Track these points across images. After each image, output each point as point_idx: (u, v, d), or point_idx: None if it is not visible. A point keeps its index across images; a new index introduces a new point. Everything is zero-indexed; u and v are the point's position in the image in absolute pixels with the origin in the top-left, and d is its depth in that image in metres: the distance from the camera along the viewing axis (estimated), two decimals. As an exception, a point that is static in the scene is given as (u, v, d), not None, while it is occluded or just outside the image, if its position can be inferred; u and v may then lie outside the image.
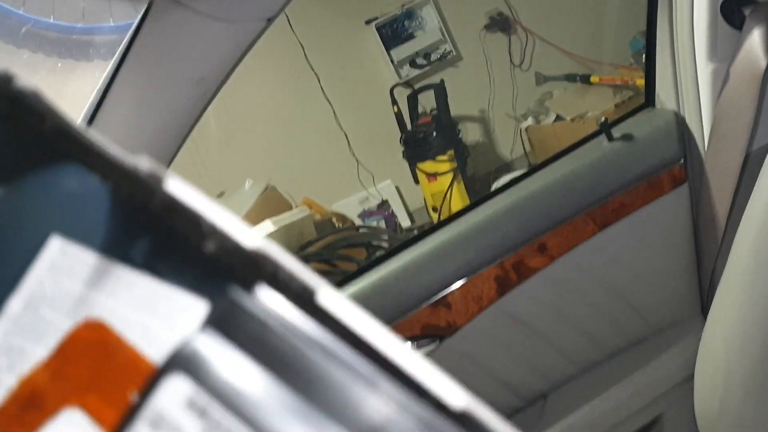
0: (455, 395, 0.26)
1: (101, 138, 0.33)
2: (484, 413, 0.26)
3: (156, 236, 0.33)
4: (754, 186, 0.88)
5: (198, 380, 0.25)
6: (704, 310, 1.22)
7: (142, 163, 0.32)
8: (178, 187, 0.31)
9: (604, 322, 1.16)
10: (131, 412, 0.25)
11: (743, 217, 0.91)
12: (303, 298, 0.29)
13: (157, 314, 0.32)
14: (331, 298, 0.29)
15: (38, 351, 0.31)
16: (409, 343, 1.14)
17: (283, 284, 0.29)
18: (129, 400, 0.30)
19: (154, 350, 0.31)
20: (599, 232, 1.15)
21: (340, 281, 1.19)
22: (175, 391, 0.25)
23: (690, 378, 1.08)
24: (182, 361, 0.26)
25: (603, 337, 1.19)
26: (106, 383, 0.31)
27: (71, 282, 0.32)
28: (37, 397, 0.30)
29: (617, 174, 1.15)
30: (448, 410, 0.25)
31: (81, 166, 0.32)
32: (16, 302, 0.32)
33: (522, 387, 1.17)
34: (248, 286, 0.29)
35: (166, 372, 0.25)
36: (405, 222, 2.81)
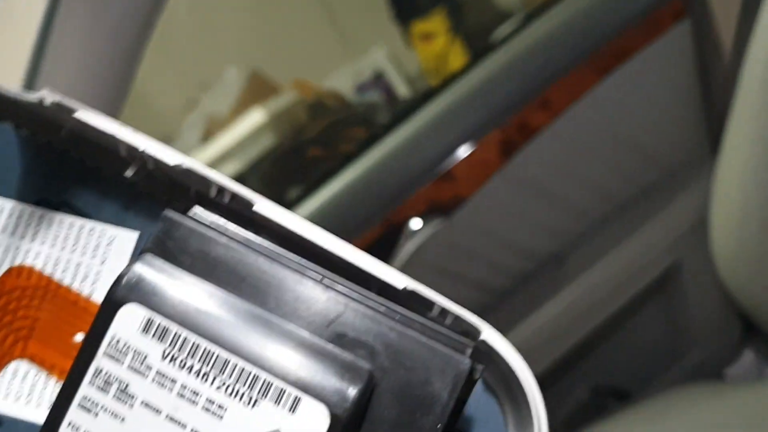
0: (398, 278, 0.26)
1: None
2: (425, 290, 0.25)
3: (71, 172, 0.30)
4: (759, 11, 0.81)
5: (149, 305, 0.23)
6: (715, 149, 1.18)
7: (46, 96, 0.28)
8: (88, 115, 0.28)
9: (614, 174, 1.13)
10: (87, 353, 0.23)
11: (751, 45, 0.85)
12: (237, 211, 0.26)
13: (86, 252, 0.30)
14: (268, 207, 0.26)
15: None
16: (417, 220, 1.12)
17: (214, 200, 0.26)
18: (76, 342, 0.29)
19: (91, 287, 0.29)
20: (601, 80, 1.09)
21: (340, 165, 1.16)
22: (128, 321, 0.23)
23: (705, 221, 1.06)
24: (127, 291, 0.23)
25: (614, 189, 1.16)
26: (48, 328, 0.29)
27: (-10, 229, 0.30)
28: (-27, 355, 0.29)
29: (614, 15, 1.08)
30: (395, 290, 0.25)
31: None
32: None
33: (536, 251, 1.15)
34: (179, 206, 0.26)
35: (115, 304, 0.23)
36: (403, 92, 2.71)
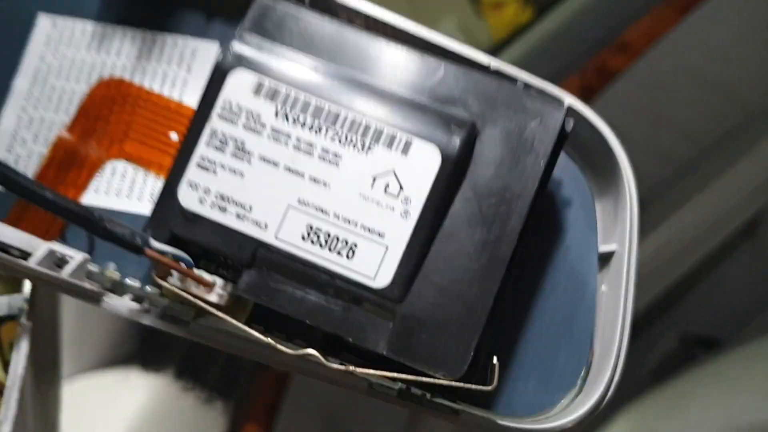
0: (482, 57, 0.27)
1: None
2: (509, 67, 0.27)
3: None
4: None
5: (257, 69, 0.25)
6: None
7: None
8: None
9: (698, 116, 1.12)
10: (201, 117, 0.25)
11: None
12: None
13: (171, 63, 0.31)
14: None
15: (59, 117, 0.30)
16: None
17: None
18: (172, 140, 0.30)
19: (180, 93, 0.30)
20: (682, 18, 1.07)
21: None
22: (238, 85, 0.25)
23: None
24: (235, 59, 0.25)
25: (698, 132, 1.14)
26: (142, 130, 0.30)
27: (73, 51, 0.31)
28: (71, 157, 0.30)
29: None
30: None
31: None
32: (21, 80, 0.31)
33: None
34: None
35: (223, 71, 0.25)
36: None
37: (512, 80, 0.27)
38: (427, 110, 0.24)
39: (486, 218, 0.24)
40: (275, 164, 0.24)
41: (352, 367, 0.23)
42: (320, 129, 0.24)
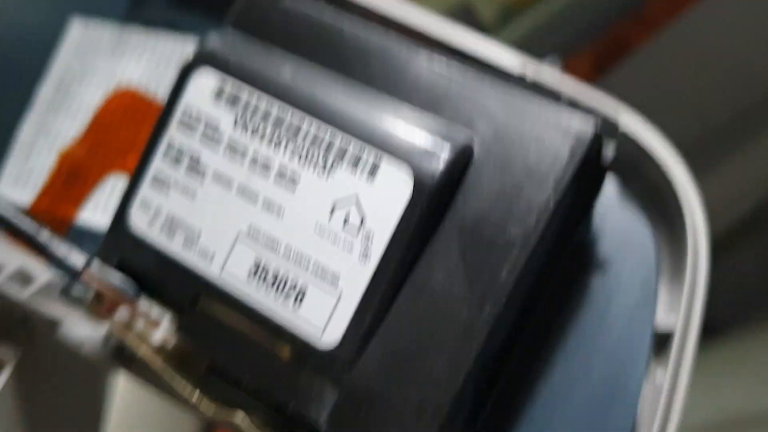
0: (513, 60, 0.21)
1: None
2: (550, 75, 0.20)
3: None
4: None
5: (220, 68, 0.21)
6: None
7: None
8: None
9: (711, 97, 0.96)
10: (160, 125, 0.21)
11: None
12: None
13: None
14: None
15: (73, 127, 0.29)
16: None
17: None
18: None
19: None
20: None
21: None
22: (201, 88, 0.21)
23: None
24: (200, 56, 0.21)
25: (710, 113, 1.00)
26: (143, 142, 0.28)
27: (98, 56, 0.29)
28: (77, 170, 0.28)
29: None
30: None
31: None
32: (46, 88, 0.29)
33: None
34: None
35: (187, 69, 0.21)
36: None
37: (553, 95, 0.21)
38: (415, 120, 0.19)
39: (470, 270, 0.18)
40: (229, 184, 0.20)
41: (278, 445, 0.19)
42: (279, 142, 0.20)
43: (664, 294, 0.21)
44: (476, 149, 0.19)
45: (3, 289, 0.23)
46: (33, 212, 0.28)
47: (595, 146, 0.19)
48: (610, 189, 0.21)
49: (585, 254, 0.21)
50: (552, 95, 0.21)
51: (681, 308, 0.20)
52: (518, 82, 0.22)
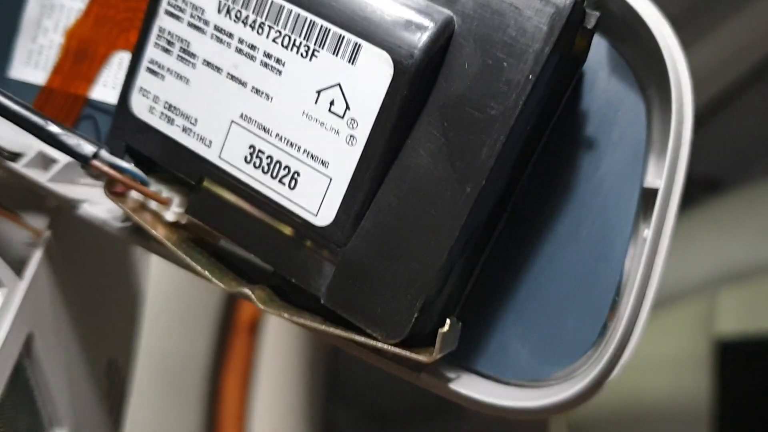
0: None
1: None
2: None
3: None
4: None
5: None
6: None
7: None
8: None
9: None
10: (149, 12, 0.22)
11: None
12: None
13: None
14: None
15: (75, 4, 0.29)
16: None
17: None
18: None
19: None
20: None
21: None
22: None
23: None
24: None
25: None
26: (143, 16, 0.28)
27: None
28: (85, 47, 0.28)
29: None
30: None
31: None
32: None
33: None
34: None
35: None
36: None
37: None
38: (391, 2, 0.19)
39: (451, 149, 0.19)
40: (219, 70, 0.21)
41: (286, 315, 0.20)
42: (262, 28, 0.20)
43: (653, 156, 0.21)
44: (456, 26, 0.19)
45: (25, 173, 0.25)
46: (47, 91, 0.29)
47: (575, 17, 0.18)
48: (600, 51, 0.21)
49: (574, 119, 0.21)
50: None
51: (665, 165, 0.20)
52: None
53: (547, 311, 0.22)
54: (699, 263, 0.63)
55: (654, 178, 0.21)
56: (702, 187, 0.75)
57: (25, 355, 0.24)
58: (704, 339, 0.58)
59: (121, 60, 0.28)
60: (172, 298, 0.48)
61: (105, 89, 0.28)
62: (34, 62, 0.29)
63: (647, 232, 0.21)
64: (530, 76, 0.18)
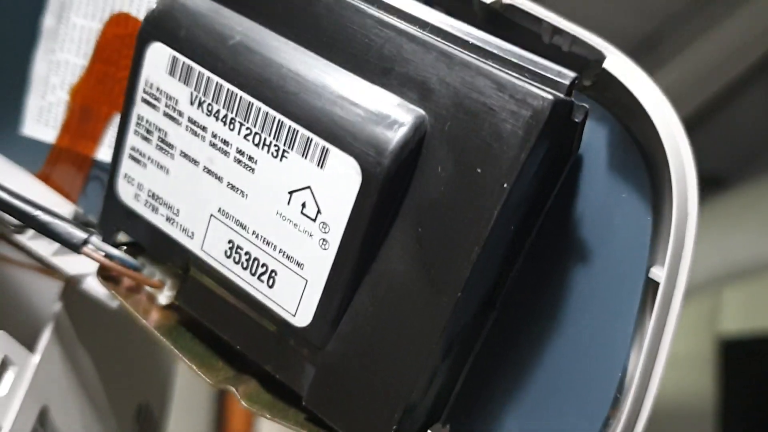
0: None
1: None
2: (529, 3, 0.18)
3: None
4: None
5: (170, 44, 0.20)
6: None
7: None
8: None
9: None
10: (128, 98, 0.21)
11: None
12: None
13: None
14: None
15: (79, 61, 0.28)
16: None
17: None
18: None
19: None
20: None
21: None
22: (156, 62, 0.21)
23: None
24: (151, 27, 0.20)
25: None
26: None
27: (90, -26, 0.28)
28: (89, 105, 0.28)
29: None
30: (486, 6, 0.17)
31: None
32: (48, 18, 0.29)
33: (628, 33, 0.92)
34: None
35: (141, 42, 0.21)
36: None
37: (533, 19, 0.19)
38: (362, 98, 0.18)
39: (426, 257, 0.18)
40: (195, 162, 0.20)
41: (268, 415, 0.20)
42: (233, 124, 0.19)
43: (660, 244, 0.19)
44: (429, 127, 0.17)
45: (30, 247, 0.25)
46: (57, 150, 0.29)
47: (560, 112, 0.17)
48: (605, 133, 0.19)
49: (570, 206, 0.20)
50: (533, 19, 0.19)
51: (666, 261, 0.18)
52: (495, 16, 0.19)
53: (547, 407, 0.20)
54: (703, 261, 0.62)
55: (659, 270, 0.19)
56: (706, 185, 0.75)
57: (39, 427, 0.25)
58: (708, 337, 0.57)
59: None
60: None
61: (110, 150, 0.28)
62: (45, 120, 0.29)
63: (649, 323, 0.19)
64: (505, 185, 0.16)
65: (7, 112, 0.30)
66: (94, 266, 0.26)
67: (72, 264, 0.26)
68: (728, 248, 0.64)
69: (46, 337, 0.26)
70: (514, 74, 0.17)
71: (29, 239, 0.26)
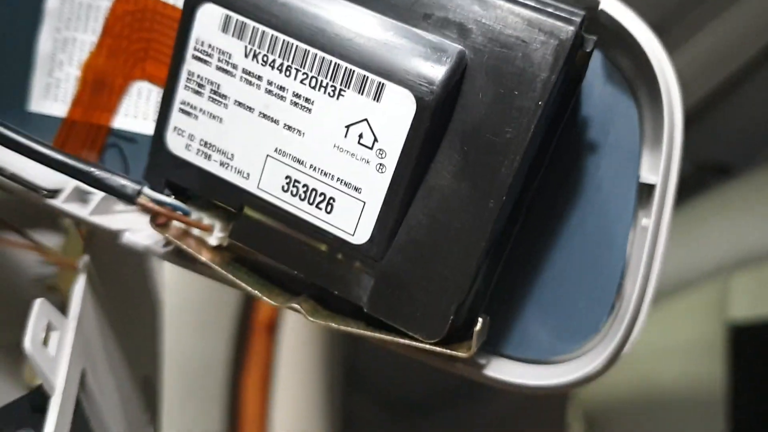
0: None
1: None
2: None
3: None
4: None
5: (222, 3, 0.22)
6: None
7: None
8: None
9: None
10: (177, 57, 0.23)
11: None
12: None
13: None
14: None
15: (88, 37, 0.30)
16: None
17: None
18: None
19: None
20: None
21: None
22: (207, 21, 0.23)
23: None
24: None
25: None
26: (160, 47, 0.29)
27: (93, -46, 0.30)
28: (102, 78, 0.30)
29: None
30: None
31: None
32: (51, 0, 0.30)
33: None
34: None
35: (191, 5, 0.23)
36: None
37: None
38: (409, 39, 0.21)
39: (472, 170, 0.21)
40: (250, 109, 0.23)
41: (333, 324, 0.23)
42: (290, 71, 0.22)
43: (647, 155, 0.23)
44: (469, 60, 0.21)
45: (67, 210, 0.27)
46: (69, 123, 0.30)
47: (576, 43, 0.20)
48: (595, 62, 0.23)
49: (576, 127, 0.24)
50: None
51: (661, 159, 0.22)
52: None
53: (562, 297, 0.24)
54: (711, 248, 0.63)
55: (648, 174, 0.23)
56: (713, 172, 0.75)
57: (81, 390, 0.26)
58: (717, 324, 0.57)
59: (139, 90, 0.30)
60: (188, 305, 0.50)
61: (127, 119, 0.30)
62: (53, 95, 0.31)
63: (645, 221, 0.23)
64: (540, 102, 0.20)
65: (12, 92, 0.31)
66: (126, 221, 0.28)
67: (107, 222, 0.27)
68: (737, 235, 0.63)
69: (78, 298, 0.27)
70: (538, 12, 0.20)
71: (63, 203, 0.27)
